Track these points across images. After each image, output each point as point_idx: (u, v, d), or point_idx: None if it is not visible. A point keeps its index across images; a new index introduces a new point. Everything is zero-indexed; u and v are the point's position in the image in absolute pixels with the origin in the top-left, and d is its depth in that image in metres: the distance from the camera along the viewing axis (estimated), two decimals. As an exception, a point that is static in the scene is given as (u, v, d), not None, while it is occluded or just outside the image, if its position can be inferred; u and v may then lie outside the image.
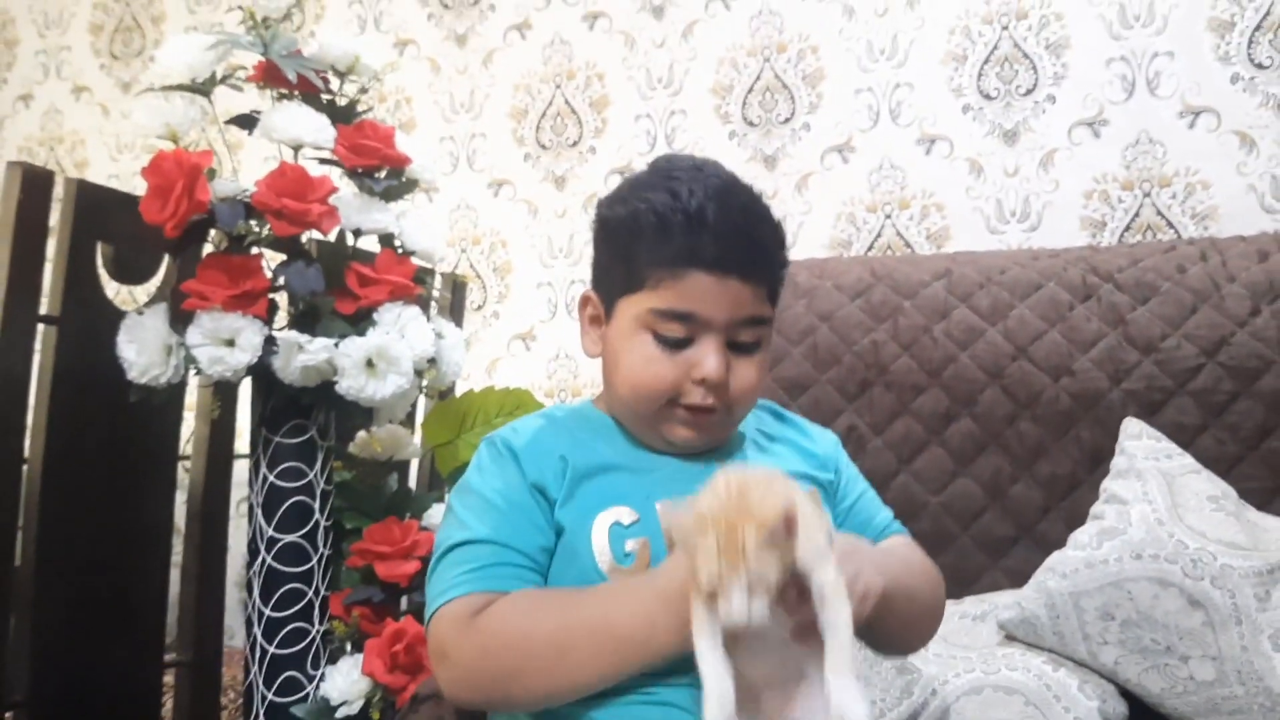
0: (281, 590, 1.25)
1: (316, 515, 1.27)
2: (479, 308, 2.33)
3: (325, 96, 1.33)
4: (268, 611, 1.24)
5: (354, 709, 1.23)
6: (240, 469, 1.48)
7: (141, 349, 1.21)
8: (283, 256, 1.26)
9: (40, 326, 1.25)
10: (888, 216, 2.02)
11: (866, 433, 1.59)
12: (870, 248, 2.03)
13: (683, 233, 0.87)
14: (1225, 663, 1.18)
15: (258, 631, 1.25)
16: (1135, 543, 1.23)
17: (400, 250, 1.33)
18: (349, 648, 1.30)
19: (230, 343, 1.19)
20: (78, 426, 1.28)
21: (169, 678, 1.48)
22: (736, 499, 0.73)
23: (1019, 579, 1.36)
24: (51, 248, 1.26)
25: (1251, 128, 1.79)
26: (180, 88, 1.26)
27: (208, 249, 1.27)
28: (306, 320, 1.25)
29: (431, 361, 1.31)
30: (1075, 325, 1.54)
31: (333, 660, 1.28)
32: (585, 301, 0.98)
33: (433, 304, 1.51)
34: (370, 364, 1.23)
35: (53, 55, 2.76)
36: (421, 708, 1.08)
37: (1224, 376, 1.45)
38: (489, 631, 0.83)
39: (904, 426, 1.58)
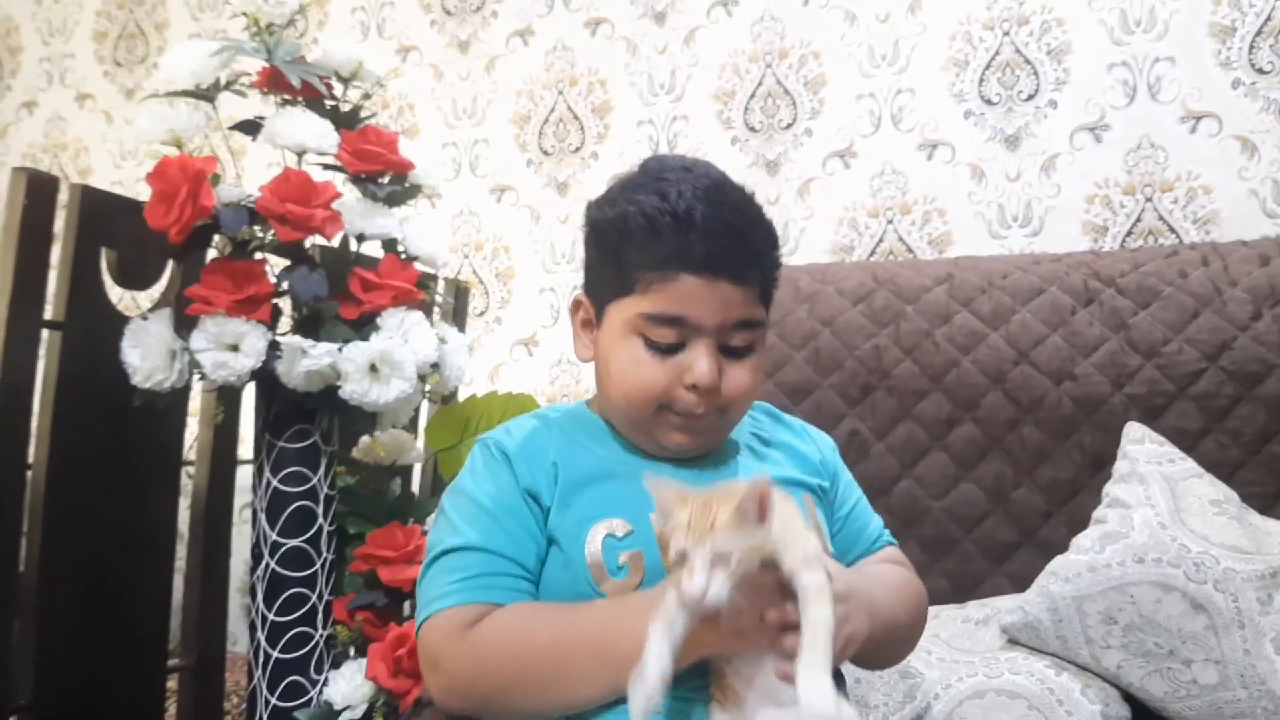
0: (285, 595, 1.25)
1: (320, 520, 1.27)
2: (482, 313, 2.33)
3: (329, 102, 1.34)
4: (271, 616, 1.24)
5: (357, 714, 1.23)
6: (244, 474, 1.48)
7: (145, 354, 1.21)
8: (286, 262, 1.26)
9: (45, 332, 1.26)
10: (889, 222, 2.02)
11: (869, 437, 1.59)
12: (872, 253, 2.03)
13: (671, 234, 0.86)
14: (1228, 666, 1.18)
15: (261, 636, 1.25)
16: (1138, 547, 1.23)
17: (403, 255, 1.33)
18: (352, 652, 1.30)
19: (234, 348, 1.20)
20: (82, 431, 1.28)
21: (172, 683, 1.48)
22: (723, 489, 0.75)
23: (1021, 583, 1.36)
24: (56, 254, 1.26)
25: (1253, 132, 1.79)
26: (184, 94, 1.26)
27: (212, 254, 1.27)
28: (310, 325, 1.25)
29: (434, 367, 1.31)
30: (1077, 330, 1.54)
31: (336, 665, 1.27)
32: (577, 305, 0.97)
33: (436, 309, 1.51)
34: (373, 369, 1.23)
35: (57, 62, 2.77)
36: (424, 712, 1.08)
37: (1226, 381, 1.46)
38: (483, 646, 0.83)
39: (906, 431, 1.58)
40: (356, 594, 1.34)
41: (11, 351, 1.20)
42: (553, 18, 2.32)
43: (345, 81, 1.35)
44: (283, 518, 1.25)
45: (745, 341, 0.90)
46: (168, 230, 1.18)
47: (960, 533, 1.53)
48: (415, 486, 1.72)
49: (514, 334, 2.31)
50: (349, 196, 1.30)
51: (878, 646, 0.87)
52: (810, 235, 2.07)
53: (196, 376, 1.23)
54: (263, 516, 1.26)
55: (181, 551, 1.50)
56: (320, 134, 1.27)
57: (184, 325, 1.22)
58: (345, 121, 1.34)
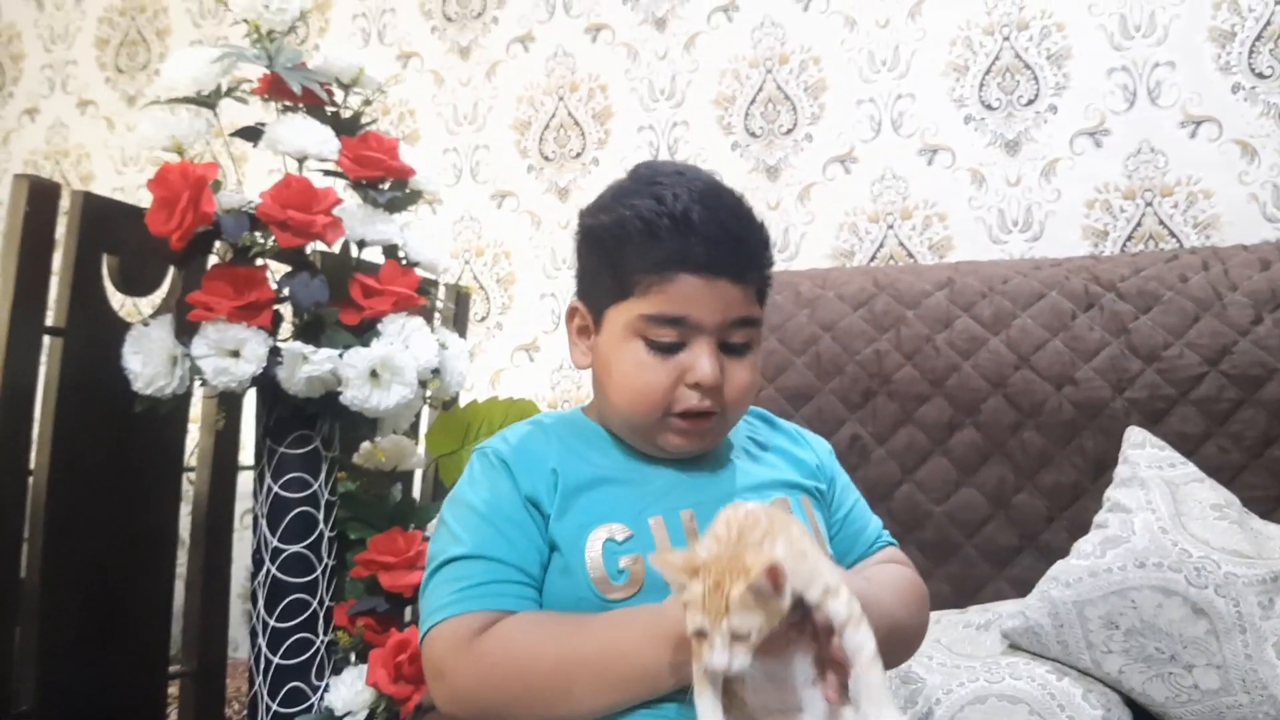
0: (286, 601, 1.25)
1: (321, 526, 1.27)
2: (482, 319, 2.33)
3: (329, 109, 1.34)
4: (272, 622, 1.24)
5: (358, 719, 1.23)
6: (245, 480, 1.48)
7: (147, 360, 1.21)
8: (287, 268, 1.27)
9: (46, 338, 1.26)
10: (890, 227, 2.02)
11: (870, 442, 1.59)
12: (873, 258, 2.03)
13: (670, 237, 0.87)
14: (1230, 671, 1.18)
15: (262, 642, 1.25)
16: (1139, 551, 1.23)
17: (404, 261, 1.33)
18: (353, 658, 1.30)
19: (235, 354, 1.20)
20: (83, 437, 1.28)
21: (173, 688, 1.48)
22: (732, 545, 0.74)
23: (1023, 588, 1.36)
24: (57, 260, 1.27)
25: (1253, 137, 1.79)
26: (185, 101, 1.27)
27: (213, 260, 1.27)
28: (311, 331, 1.25)
29: (435, 372, 1.31)
30: (1078, 334, 1.54)
31: (337, 671, 1.27)
32: (572, 313, 0.97)
33: (436, 315, 1.51)
34: (374, 375, 1.23)
35: (58, 69, 2.78)
36: (426, 718, 1.08)
37: (1227, 385, 1.46)
38: (489, 657, 0.83)
39: (907, 436, 1.58)
40: (357, 599, 1.34)
41: (13, 357, 1.20)
42: (553, 24, 2.33)
43: (346, 88, 1.36)
44: (284, 523, 1.26)
45: (744, 339, 0.91)
46: (169, 236, 1.18)
47: (961, 537, 1.53)
48: (416, 492, 1.73)
49: (515, 339, 2.31)
50: (350, 203, 1.30)
51: (881, 649, 0.88)
52: (811, 240, 2.07)
53: (198, 382, 1.23)
54: (264, 522, 1.26)
55: (182, 557, 1.50)
56: (321, 140, 1.27)
57: (185, 331, 1.22)
58: (346, 128, 1.34)
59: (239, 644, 2.11)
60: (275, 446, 1.27)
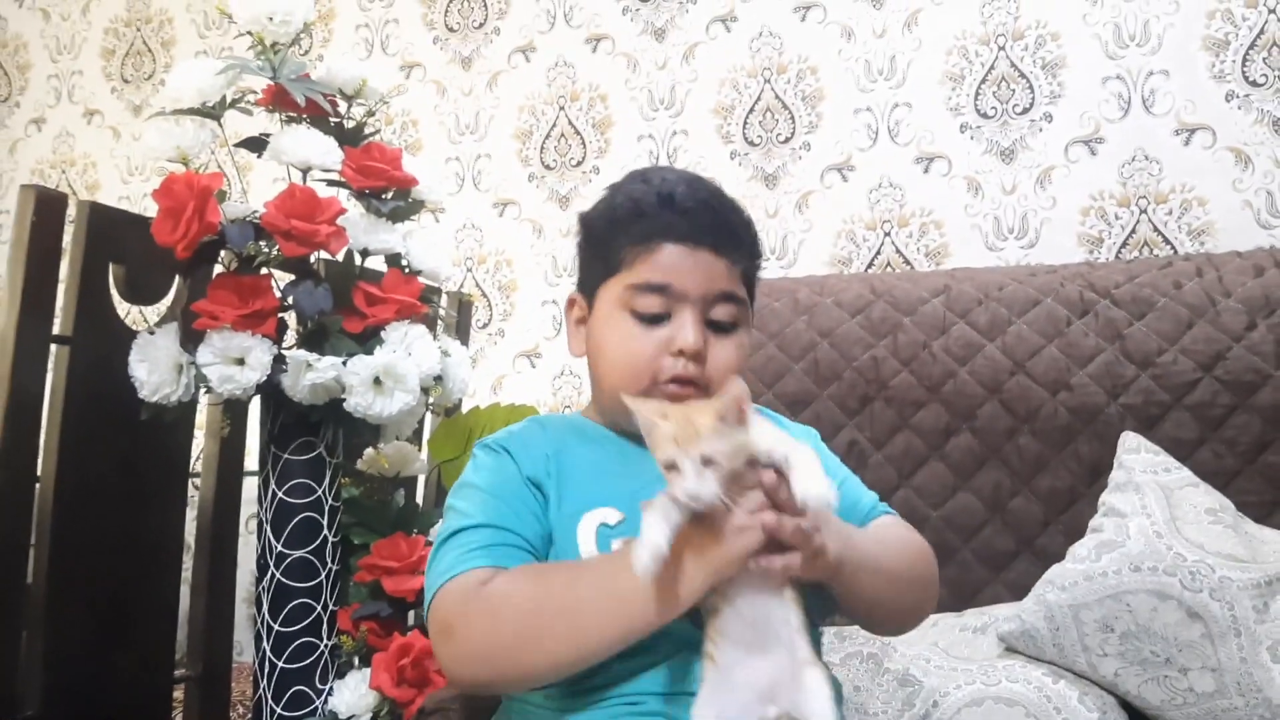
0: (290, 605, 1.26)
1: (324, 531, 1.28)
2: (484, 326, 2.35)
3: (333, 119, 1.35)
4: (276, 626, 1.25)
5: (361, 723, 1.24)
6: (249, 486, 1.49)
7: (153, 368, 1.22)
8: (292, 276, 1.28)
9: (53, 346, 1.26)
10: (887, 234, 2.04)
11: (867, 447, 1.60)
12: (870, 265, 2.05)
13: (655, 212, 0.92)
14: (1225, 674, 1.18)
15: (266, 646, 1.26)
16: (1134, 555, 1.24)
17: (407, 270, 1.35)
18: (357, 662, 1.31)
19: (240, 361, 1.21)
20: (90, 444, 1.29)
21: (178, 693, 1.49)
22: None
23: (1019, 591, 1.37)
24: (64, 269, 1.28)
25: (1246, 144, 1.81)
26: (191, 111, 1.28)
27: (218, 269, 1.28)
28: (315, 339, 1.26)
29: (438, 379, 1.32)
30: (1073, 341, 1.55)
31: (340, 674, 1.28)
32: (571, 303, 1.02)
33: (439, 322, 1.52)
34: (377, 382, 1.24)
35: (65, 79, 2.80)
36: (428, 720, 1.09)
37: (1221, 390, 1.47)
38: (498, 598, 0.83)
39: (904, 441, 1.59)
40: (361, 604, 1.35)
41: (20, 366, 1.21)
42: (554, 34, 2.35)
43: (349, 99, 1.37)
44: (288, 529, 1.26)
45: (728, 316, 0.93)
46: (175, 246, 1.19)
47: (959, 541, 1.54)
48: (419, 498, 1.73)
49: (516, 346, 2.33)
50: (353, 212, 1.31)
51: (870, 590, 0.89)
52: (808, 247, 2.09)
53: (203, 390, 1.24)
54: (268, 528, 1.27)
55: (188, 562, 1.51)
56: (325, 151, 1.29)
57: (190, 339, 1.23)
58: (349, 138, 1.36)
59: (244, 648, 2.12)
60: (280, 453, 1.28)
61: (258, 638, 1.27)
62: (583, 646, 0.82)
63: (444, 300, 1.72)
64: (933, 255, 2.00)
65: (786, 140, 2.13)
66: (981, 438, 1.56)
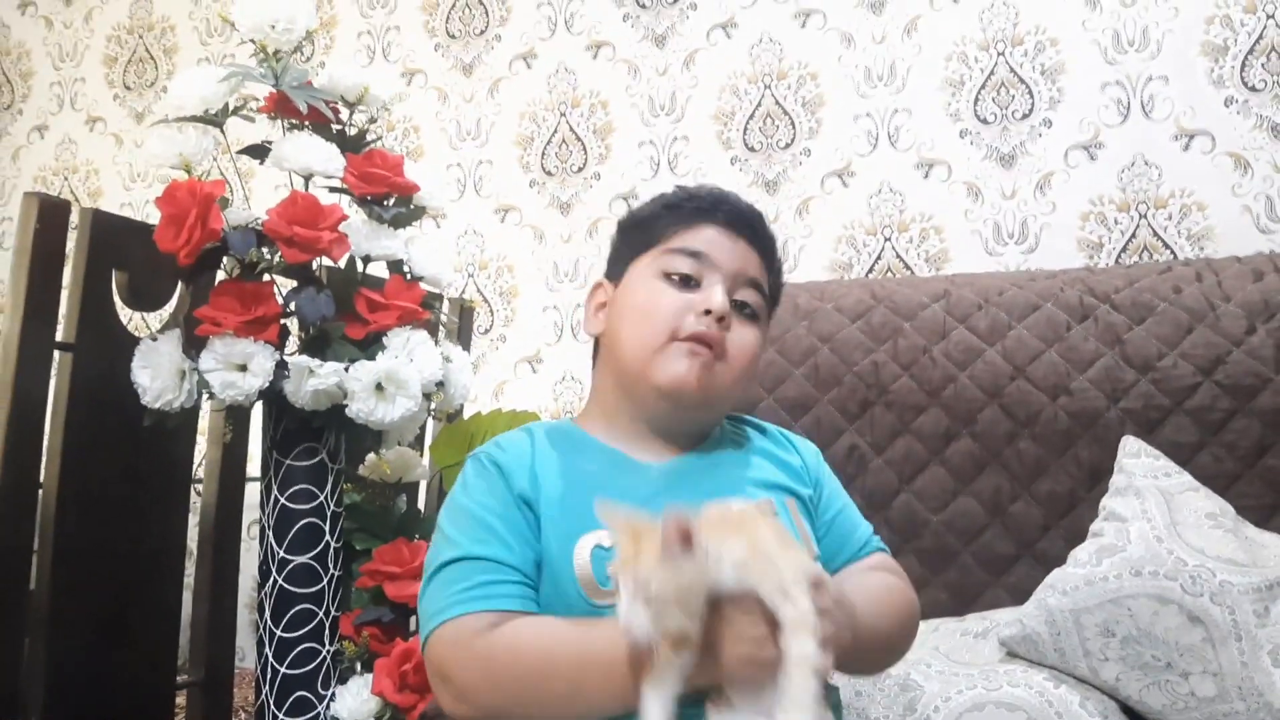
0: (292, 611, 1.26)
1: (327, 537, 1.28)
2: (486, 331, 2.35)
3: (335, 126, 1.36)
4: (279, 632, 1.25)
5: (363, 728, 1.24)
6: (252, 492, 1.49)
7: (155, 374, 1.22)
8: (294, 283, 1.28)
9: (56, 353, 1.27)
10: (887, 239, 2.04)
11: (868, 452, 1.60)
12: (870, 270, 2.05)
13: (705, 198, 1.00)
14: (1226, 679, 1.18)
15: (269, 652, 1.26)
16: (1134, 560, 1.24)
17: (409, 276, 1.35)
18: (359, 667, 1.31)
19: (242, 368, 1.21)
20: (92, 451, 1.29)
21: (181, 698, 1.49)
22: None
23: (1020, 596, 1.37)
24: (67, 276, 1.28)
25: (1245, 149, 1.81)
26: (193, 119, 1.28)
27: (220, 276, 1.29)
28: (317, 345, 1.27)
29: (439, 385, 1.32)
30: (1073, 345, 1.56)
31: (343, 680, 1.28)
32: (597, 288, 1.04)
33: (441, 328, 1.53)
34: (379, 388, 1.25)
35: (67, 87, 2.81)
36: (430, 725, 1.09)
37: (1221, 395, 1.47)
38: (494, 659, 0.83)
39: (905, 446, 1.59)
40: (363, 609, 1.35)
41: (23, 372, 1.21)
42: (555, 41, 2.35)
43: (351, 105, 1.37)
44: (290, 534, 1.27)
45: (753, 301, 0.98)
46: (177, 253, 1.20)
47: (959, 545, 1.54)
48: (421, 503, 1.74)
49: (518, 352, 2.33)
50: (355, 218, 1.32)
51: (857, 656, 0.87)
52: (809, 253, 2.09)
53: (205, 396, 1.24)
54: (270, 533, 1.27)
55: (190, 568, 1.51)
56: (327, 157, 1.29)
57: (193, 346, 1.23)
58: (351, 145, 1.36)
59: (246, 654, 2.12)
60: (282, 459, 1.28)
61: (260, 643, 1.27)
62: (587, 713, 0.81)
63: (446, 306, 1.72)
64: (933, 260, 2.00)
65: (787, 146, 2.14)
66: (982, 442, 1.56)
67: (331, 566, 1.29)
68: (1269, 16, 1.82)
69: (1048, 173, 1.93)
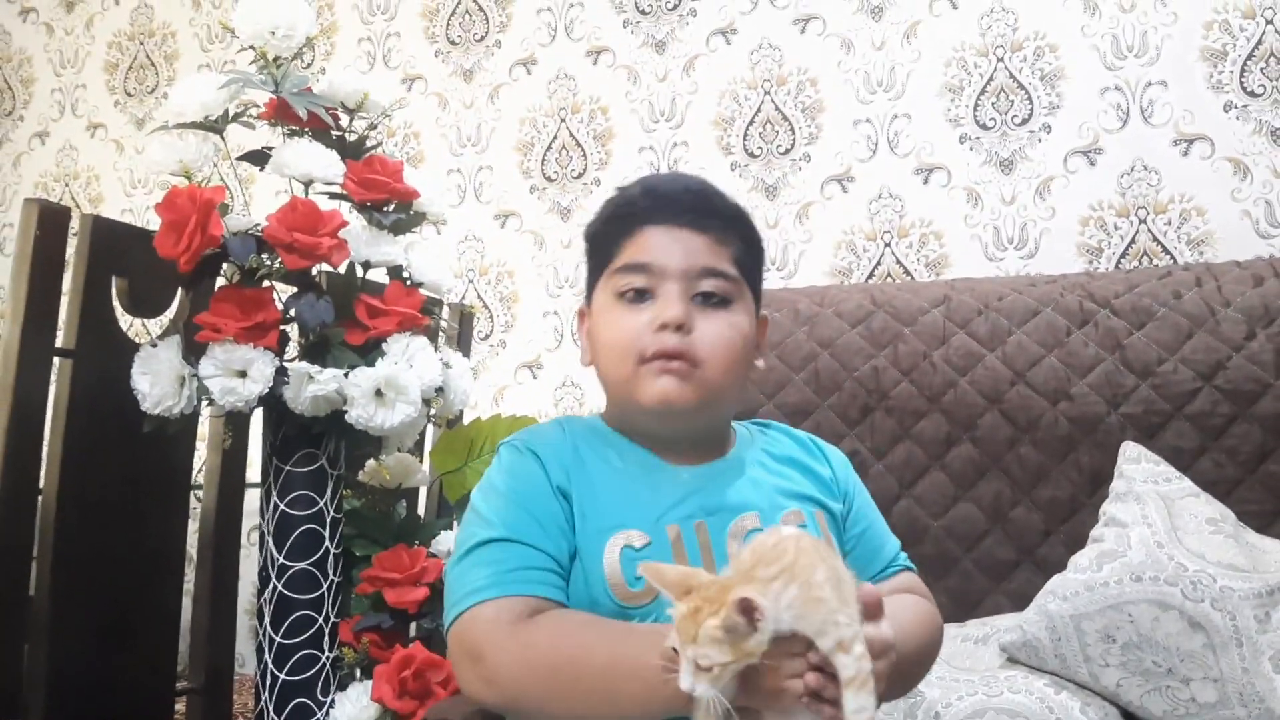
0: (292, 617, 1.25)
1: (326, 543, 1.28)
2: (486, 337, 2.35)
3: (335, 133, 1.36)
4: (278, 638, 1.25)
5: (363, 734, 1.24)
6: (251, 497, 1.49)
7: (155, 380, 1.22)
8: (294, 289, 1.28)
9: (56, 359, 1.27)
10: (887, 245, 2.04)
11: (868, 457, 1.60)
12: (870, 275, 2.05)
13: (637, 200, 0.96)
14: (1227, 684, 1.18)
15: (268, 658, 1.26)
16: (1135, 565, 1.24)
17: (408, 282, 1.35)
18: (358, 674, 1.31)
19: (242, 374, 1.21)
20: (92, 457, 1.29)
21: (180, 704, 1.49)
22: (741, 574, 0.73)
23: (1021, 602, 1.37)
24: (67, 282, 1.28)
25: (1245, 155, 1.81)
26: (193, 125, 1.28)
27: (220, 282, 1.29)
28: (317, 351, 1.27)
29: (439, 391, 1.32)
30: (1073, 350, 1.56)
31: (342, 686, 1.28)
32: (581, 315, 1.02)
33: (440, 334, 1.53)
34: (379, 393, 1.25)
35: (68, 93, 2.82)
36: (431, 731, 1.09)
37: (1221, 400, 1.47)
38: (538, 647, 0.82)
39: (905, 451, 1.59)
40: (363, 616, 1.35)
41: (23, 378, 1.21)
42: (555, 47, 2.36)
43: (351, 112, 1.38)
44: (290, 540, 1.26)
45: (717, 289, 0.93)
46: (177, 259, 1.20)
47: (959, 551, 1.54)
48: (421, 509, 1.74)
49: (518, 357, 2.33)
50: (355, 225, 1.32)
51: (895, 685, 0.88)
52: (809, 258, 2.09)
53: (205, 402, 1.24)
54: (270, 539, 1.27)
55: (190, 574, 1.51)
56: (327, 164, 1.29)
57: (193, 352, 1.23)
58: (351, 151, 1.36)
59: (245, 660, 2.12)
60: (282, 465, 1.28)
61: (259, 649, 1.27)
62: (614, 714, 0.80)
63: (445, 312, 1.72)
64: (933, 266, 2.00)
65: (786, 151, 2.14)
66: (982, 447, 1.56)
67: (331, 572, 1.28)
68: (1268, 22, 1.82)
69: (1047, 178, 1.94)
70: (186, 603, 1.47)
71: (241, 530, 1.57)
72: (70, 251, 1.28)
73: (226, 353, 1.21)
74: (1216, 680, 1.19)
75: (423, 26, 2.49)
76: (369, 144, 1.39)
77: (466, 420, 1.65)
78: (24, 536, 1.23)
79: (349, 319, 1.28)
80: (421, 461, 1.65)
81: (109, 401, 1.26)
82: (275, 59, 1.31)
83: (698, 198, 0.96)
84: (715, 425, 0.98)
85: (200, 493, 1.54)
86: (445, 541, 1.44)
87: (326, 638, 1.27)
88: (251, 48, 1.32)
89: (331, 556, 1.29)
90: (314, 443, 1.28)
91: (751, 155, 2.17)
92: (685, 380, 0.90)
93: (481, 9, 2.44)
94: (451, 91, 2.44)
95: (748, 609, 0.69)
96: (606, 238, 0.97)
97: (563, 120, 2.34)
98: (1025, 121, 1.96)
